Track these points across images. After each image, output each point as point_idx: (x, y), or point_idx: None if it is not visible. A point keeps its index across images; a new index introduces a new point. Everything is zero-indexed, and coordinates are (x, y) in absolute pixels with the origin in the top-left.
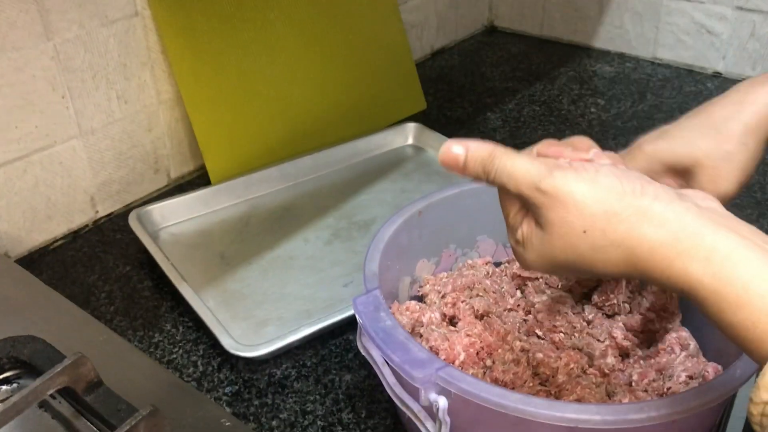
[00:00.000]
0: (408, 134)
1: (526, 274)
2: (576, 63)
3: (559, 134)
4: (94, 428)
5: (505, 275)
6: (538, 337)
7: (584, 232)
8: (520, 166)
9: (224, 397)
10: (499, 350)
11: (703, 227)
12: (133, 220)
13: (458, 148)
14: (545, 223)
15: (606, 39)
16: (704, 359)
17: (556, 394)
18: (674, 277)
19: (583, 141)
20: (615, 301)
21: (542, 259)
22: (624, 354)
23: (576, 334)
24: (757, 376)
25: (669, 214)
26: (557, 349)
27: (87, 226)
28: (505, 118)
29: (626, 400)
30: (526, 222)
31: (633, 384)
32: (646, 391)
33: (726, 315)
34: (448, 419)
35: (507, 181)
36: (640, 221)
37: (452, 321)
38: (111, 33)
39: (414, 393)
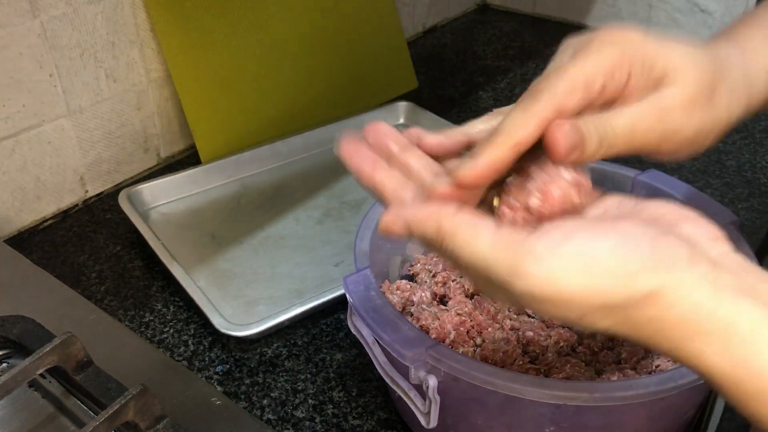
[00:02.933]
0: (399, 113)
1: None
2: None
3: None
4: (84, 407)
5: None
6: (528, 315)
7: (579, 317)
8: (480, 257)
9: (215, 376)
10: (489, 329)
11: (720, 302)
12: (123, 200)
13: (397, 225)
14: (521, 302)
15: (599, 17)
16: None
17: (546, 372)
18: (686, 359)
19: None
20: None
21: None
22: None
23: None
24: None
25: (682, 291)
26: (547, 327)
27: (77, 205)
28: (497, 96)
29: (615, 378)
30: (493, 290)
31: (622, 362)
32: (634, 369)
33: (751, 406)
34: (437, 397)
35: (462, 270)
36: (648, 304)
37: (443, 300)
38: (99, 10)
39: (404, 371)
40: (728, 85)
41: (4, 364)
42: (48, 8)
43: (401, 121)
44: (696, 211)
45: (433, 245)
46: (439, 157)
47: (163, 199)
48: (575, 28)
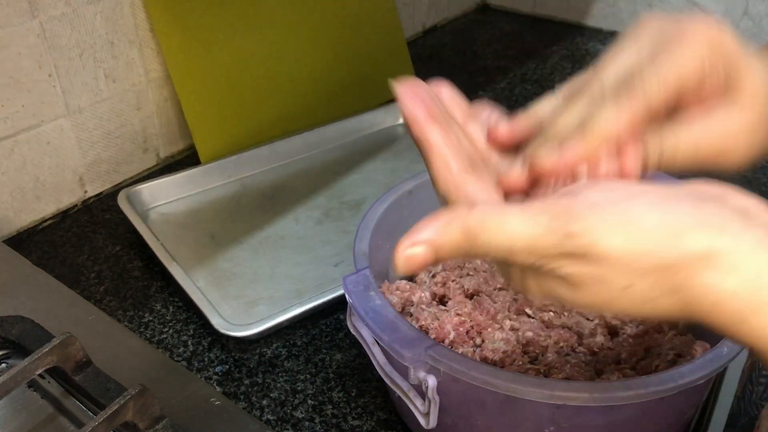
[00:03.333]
0: (399, 113)
1: None
2: (569, 41)
3: None
4: (83, 407)
5: None
6: (528, 316)
7: (626, 288)
8: (519, 234)
9: (214, 377)
10: (489, 329)
11: None
12: (122, 200)
13: (417, 250)
14: (570, 282)
15: (599, 17)
16: (692, 337)
17: (546, 372)
18: (748, 336)
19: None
20: None
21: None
22: (613, 332)
23: (565, 313)
24: None
25: (739, 255)
26: (547, 327)
27: (76, 206)
28: (497, 97)
29: (614, 378)
30: (539, 280)
31: (621, 362)
32: (634, 369)
33: None
34: (437, 398)
35: (507, 255)
36: (701, 268)
37: (442, 300)
38: (98, 10)
39: (404, 372)
40: None
41: (3, 365)
42: (47, 8)
43: (401, 121)
44: (739, 190)
45: (465, 249)
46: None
47: (163, 200)
48: (575, 28)
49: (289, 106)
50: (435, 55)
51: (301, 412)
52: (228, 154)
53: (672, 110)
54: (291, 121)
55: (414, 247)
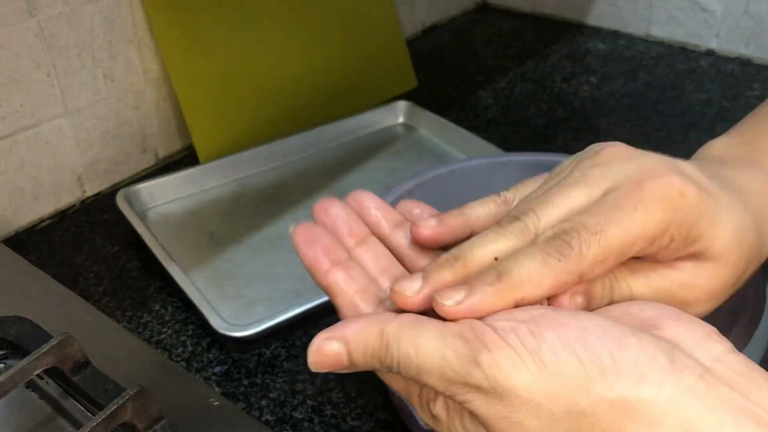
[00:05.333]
0: (399, 113)
1: None
2: (569, 40)
3: (551, 112)
4: (82, 408)
5: None
6: None
7: (541, 429)
8: (429, 352)
9: (213, 377)
10: None
11: (718, 421)
12: (120, 200)
13: (332, 345)
14: (481, 420)
15: (599, 16)
16: None
17: None
18: None
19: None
20: None
21: None
22: None
23: None
24: None
25: (663, 406)
26: None
27: (74, 206)
28: (497, 96)
29: None
30: (452, 413)
31: None
32: None
33: None
34: None
35: (417, 375)
36: (621, 420)
37: None
38: (96, 9)
39: None
40: (762, 255)
41: (1, 365)
42: (45, 7)
43: (400, 120)
44: (675, 309)
45: (379, 358)
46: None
47: (161, 200)
48: (575, 27)
49: (288, 105)
50: (434, 54)
51: (301, 413)
52: (227, 154)
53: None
54: (290, 120)
55: (329, 342)
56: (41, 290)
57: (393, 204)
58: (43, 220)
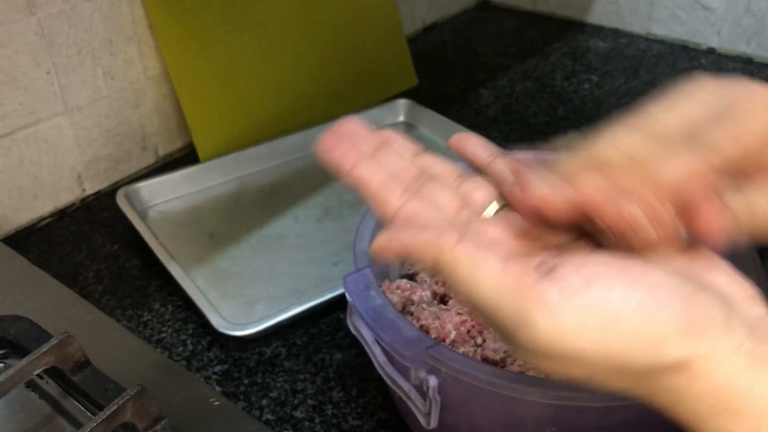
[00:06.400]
0: (399, 111)
1: None
2: (570, 38)
3: (552, 111)
4: (82, 408)
5: None
6: None
7: (588, 377)
8: (483, 299)
9: (214, 376)
10: (490, 328)
11: (757, 378)
12: (120, 199)
13: (392, 249)
14: (526, 358)
15: (600, 14)
16: None
17: None
18: None
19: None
20: None
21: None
22: None
23: None
24: None
25: (713, 362)
26: None
27: (74, 204)
28: (498, 94)
29: None
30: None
31: None
32: None
33: None
34: (438, 398)
35: (466, 305)
36: (675, 375)
37: (443, 299)
38: (96, 7)
39: (404, 372)
40: None
41: (1, 365)
42: (45, 5)
43: (401, 118)
44: (728, 265)
45: (434, 272)
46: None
47: (161, 198)
48: (576, 25)
49: (288, 103)
50: (435, 53)
51: (301, 412)
52: (227, 152)
53: (738, 175)
54: (290, 119)
55: (390, 246)
56: (41, 289)
57: None
58: (42, 219)
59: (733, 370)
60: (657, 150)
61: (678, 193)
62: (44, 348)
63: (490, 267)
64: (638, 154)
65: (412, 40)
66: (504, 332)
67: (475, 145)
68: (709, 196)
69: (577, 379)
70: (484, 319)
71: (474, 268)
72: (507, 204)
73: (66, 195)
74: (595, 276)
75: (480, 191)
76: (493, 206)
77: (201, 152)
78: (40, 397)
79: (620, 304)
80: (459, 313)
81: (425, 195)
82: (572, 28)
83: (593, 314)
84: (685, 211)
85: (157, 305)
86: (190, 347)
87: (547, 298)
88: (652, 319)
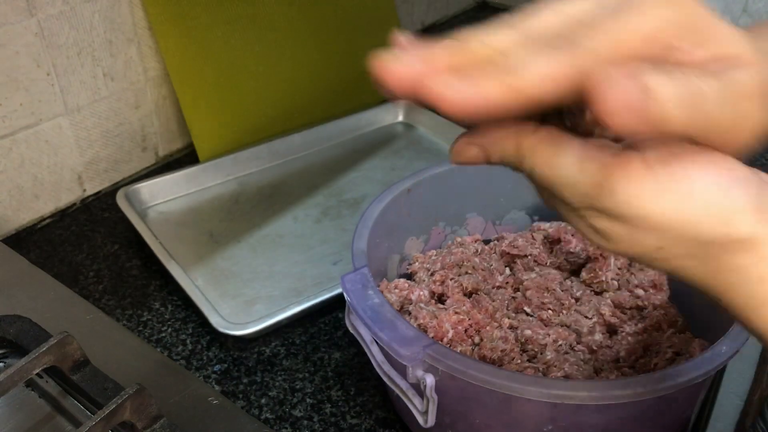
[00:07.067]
0: (398, 112)
1: (514, 251)
2: None
3: None
4: (81, 407)
5: (494, 253)
6: (527, 314)
7: (659, 248)
8: (564, 173)
9: (213, 376)
10: (488, 327)
11: None
12: (121, 199)
13: (471, 149)
14: (602, 234)
15: None
16: (691, 335)
17: (544, 370)
18: (762, 322)
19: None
20: (603, 278)
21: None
22: (612, 331)
23: (564, 311)
24: None
25: None
26: (545, 326)
27: (74, 204)
28: None
29: (613, 377)
30: (577, 220)
31: (620, 360)
32: (633, 367)
33: None
34: (435, 396)
35: (550, 188)
36: (738, 249)
37: (441, 299)
38: (96, 9)
39: (402, 370)
40: None
41: (1, 364)
42: (45, 6)
43: (400, 119)
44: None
45: (514, 163)
46: None
47: (161, 198)
48: None
49: (287, 104)
50: None
51: (300, 411)
52: (226, 153)
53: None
54: (289, 119)
55: (469, 147)
56: (41, 289)
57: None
58: (43, 219)
59: None
60: (520, 50)
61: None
62: (44, 347)
63: (571, 143)
64: (501, 52)
65: None
66: (580, 202)
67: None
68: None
69: (644, 253)
70: (562, 196)
71: (556, 146)
72: None
73: (66, 195)
74: (674, 153)
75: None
76: None
77: (201, 152)
78: (39, 396)
79: (699, 176)
80: (456, 313)
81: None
82: None
83: (674, 185)
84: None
85: (156, 305)
86: (190, 346)
87: (629, 164)
88: (727, 193)
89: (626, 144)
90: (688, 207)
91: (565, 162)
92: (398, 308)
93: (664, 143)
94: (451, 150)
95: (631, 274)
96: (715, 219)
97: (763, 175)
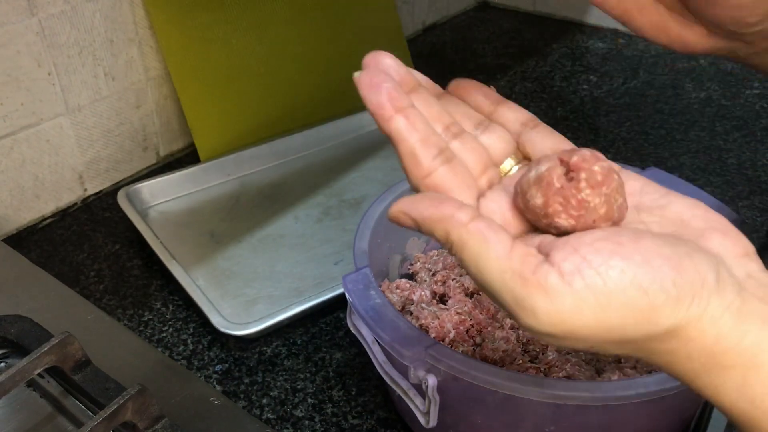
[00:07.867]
0: None
1: None
2: (569, 39)
3: (551, 111)
4: (83, 407)
5: None
6: None
7: (586, 348)
8: (488, 281)
9: (214, 376)
10: (489, 328)
11: (745, 334)
12: (122, 198)
13: (405, 218)
14: (528, 332)
15: (599, 15)
16: None
17: (546, 371)
18: (702, 391)
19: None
20: None
21: None
22: None
23: None
24: None
25: (703, 324)
26: None
27: (75, 204)
28: None
29: (615, 378)
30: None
31: (622, 361)
32: (635, 368)
33: None
34: (437, 397)
35: (474, 282)
36: (664, 339)
37: (442, 299)
38: (97, 8)
39: (404, 371)
40: None
41: (2, 364)
42: (46, 6)
43: None
44: (725, 220)
45: (445, 247)
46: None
47: (162, 198)
48: (575, 25)
49: (288, 104)
50: (435, 53)
51: (301, 411)
52: (228, 152)
53: None
54: (291, 119)
55: (402, 215)
56: (42, 289)
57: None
58: (44, 219)
59: (723, 329)
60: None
61: None
62: (45, 347)
63: (497, 249)
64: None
65: (412, 41)
66: (508, 311)
67: (476, 92)
68: None
69: (578, 349)
70: (490, 297)
71: (483, 249)
72: (522, 160)
73: (67, 195)
74: (591, 255)
75: (498, 144)
76: (509, 162)
77: (202, 152)
78: (41, 397)
79: (616, 282)
80: (458, 313)
81: (454, 154)
82: (571, 28)
83: (590, 294)
84: None
85: (157, 305)
86: (191, 346)
87: (546, 282)
88: (645, 291)
89: (545, 249)
90: (610, 314)
91: (491, 267)
92: (400, 308)
93: (574, 248)
94: (388, 214)
95: None
96: (636, 321)
97: (690, 232)
